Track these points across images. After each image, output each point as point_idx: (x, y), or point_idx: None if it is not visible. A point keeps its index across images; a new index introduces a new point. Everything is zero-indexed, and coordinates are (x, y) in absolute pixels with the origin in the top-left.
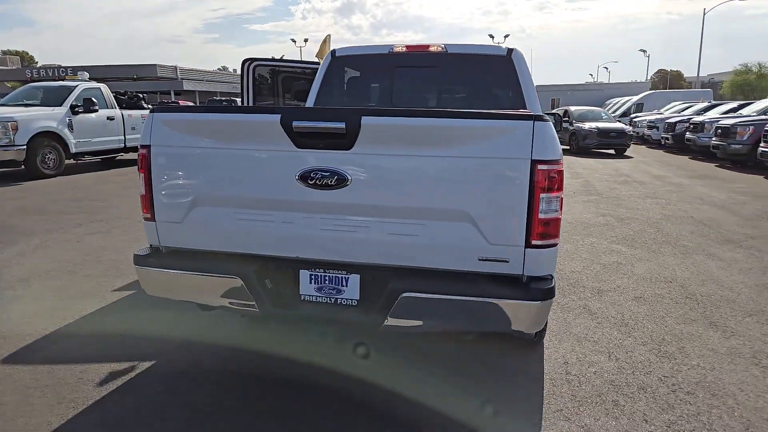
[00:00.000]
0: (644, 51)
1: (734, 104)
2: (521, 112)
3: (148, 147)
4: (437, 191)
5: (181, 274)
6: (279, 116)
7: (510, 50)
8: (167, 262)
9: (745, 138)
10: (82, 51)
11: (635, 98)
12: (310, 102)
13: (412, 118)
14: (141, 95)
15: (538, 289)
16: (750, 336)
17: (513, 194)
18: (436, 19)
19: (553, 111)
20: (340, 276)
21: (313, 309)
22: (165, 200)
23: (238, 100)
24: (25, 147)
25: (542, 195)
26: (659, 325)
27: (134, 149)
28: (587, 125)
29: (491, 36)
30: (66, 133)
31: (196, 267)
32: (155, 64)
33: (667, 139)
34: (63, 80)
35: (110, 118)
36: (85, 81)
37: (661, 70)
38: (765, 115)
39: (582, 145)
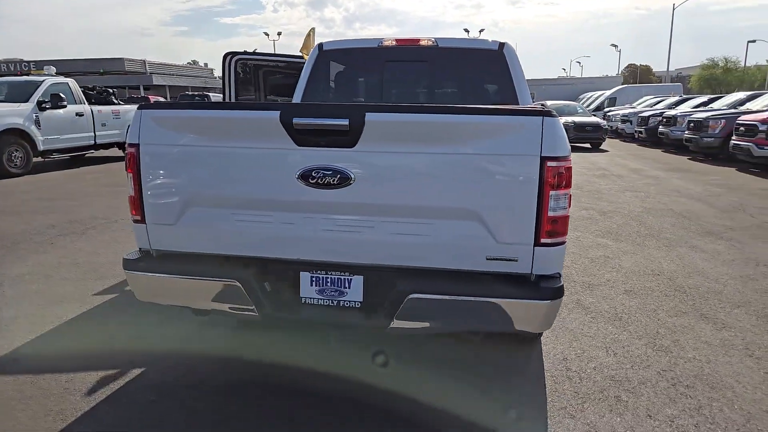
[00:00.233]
0: (615, 46)
1: (705, 98)
2: (529, 107)
3: (136, 146)
4: (444, 189)
5: (175, 278)
6: (278, 113)
7: (501, 44)
8: (160, 266)
9: (717, 131)
10: (45, 44)
11: (608, 92)
12: (297, 97)
13: (419, 114)
14: (111, 90)
15: (549, 288)
16: (741, 327)
17: (522, 192)
18: (409, 12)
19: None
20: (342, 277)
21: (314, 312)
22: (156, 201)
23: (212, 95)
24: None
25: (551, 192)
26: (652, 318)
27: (105, 146)
28: (564, 119)
29: (466, 30)
30: (33, 130)
31: (191, 271)
32: (123, 58)
33: (640, 132)
34: (28, 75)
35: (79, 114)
36: (52, 76)
37: (631, 64)
38: (735, 108)
39: None
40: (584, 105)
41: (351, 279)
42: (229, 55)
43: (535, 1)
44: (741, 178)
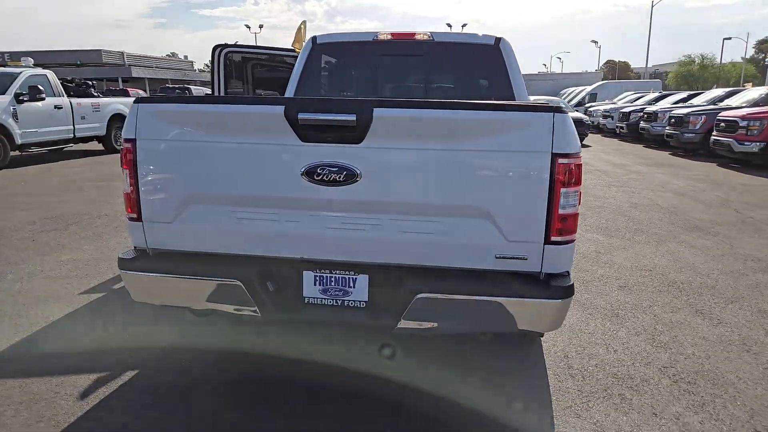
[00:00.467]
0: (596, 42)
1: (684, 94)
2: (540, 103)
3: (133, 141)
4: (452, 186)
5: (174, 278)
6: (283, 107)
7: (498, 39)
8: (158, 265)
9: (697, 127)
10: (19, 35)
11: (589, 88)
12: (290, 91)
13: (428, 109)
14: (90, 82)
15: (560, 287)
16: (736, 323)
17: (532, 189)
18: (391, 7)
19: None
20: (346, 277)
21: (317, 312)
22: (153, 199)
23: (193, 88)
24: None
25: (562, 189)
26: (648, 314)
27: (84, 140)
28: None
29: (449, 25)
30: (10, 123)
31: (190, 270)
32: (100, 50)
33: (622, 128)
34: (5, 66)
35: (58, 107)
36: (30, 67)
37: (610, 60)
38: (715, 105)
39: None
40: (566, 100)
41: (356, 278)
42: (218, 48)
43: None
44: (722, 173)
